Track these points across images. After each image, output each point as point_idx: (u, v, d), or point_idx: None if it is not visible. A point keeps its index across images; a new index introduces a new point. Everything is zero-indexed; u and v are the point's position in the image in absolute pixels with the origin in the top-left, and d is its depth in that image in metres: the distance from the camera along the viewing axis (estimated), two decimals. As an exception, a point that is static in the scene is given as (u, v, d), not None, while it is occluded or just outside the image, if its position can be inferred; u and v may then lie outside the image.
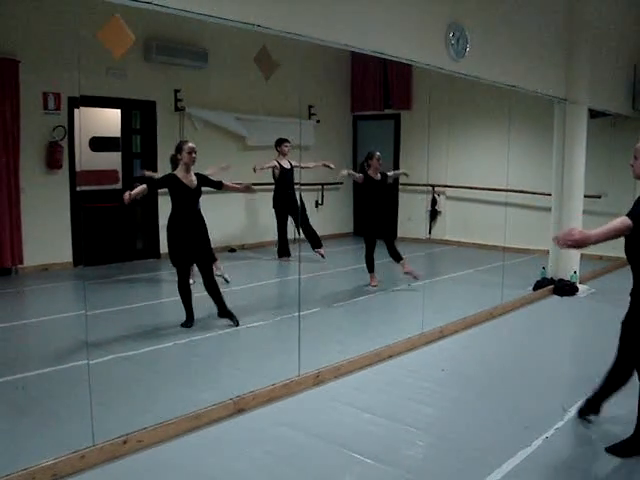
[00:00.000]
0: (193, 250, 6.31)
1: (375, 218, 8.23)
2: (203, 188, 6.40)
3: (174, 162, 6.76)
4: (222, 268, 8.08)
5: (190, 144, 6.29)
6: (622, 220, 3.46)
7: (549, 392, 4.93)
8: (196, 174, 6.33)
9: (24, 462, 3.41)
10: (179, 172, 6.24)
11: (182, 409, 4.18)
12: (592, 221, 9.84)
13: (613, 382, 4.08)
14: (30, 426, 4.07)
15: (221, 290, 6.43)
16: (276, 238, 10.36)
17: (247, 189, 6.95)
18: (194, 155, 6.20)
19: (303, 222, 9.89)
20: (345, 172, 8.49)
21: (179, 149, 6.24)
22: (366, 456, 3.79)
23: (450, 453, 3.90)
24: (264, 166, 9.85)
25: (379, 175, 8.21)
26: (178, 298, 6.34)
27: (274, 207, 10.20)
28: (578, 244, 3.46)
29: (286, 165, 10.03)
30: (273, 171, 10.10)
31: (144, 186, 6.06)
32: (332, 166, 10.07)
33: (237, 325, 6.32)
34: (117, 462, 3.67)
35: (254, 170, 9.53)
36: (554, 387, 5.07)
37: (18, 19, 8.29)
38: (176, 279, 6.40)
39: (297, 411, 4.50)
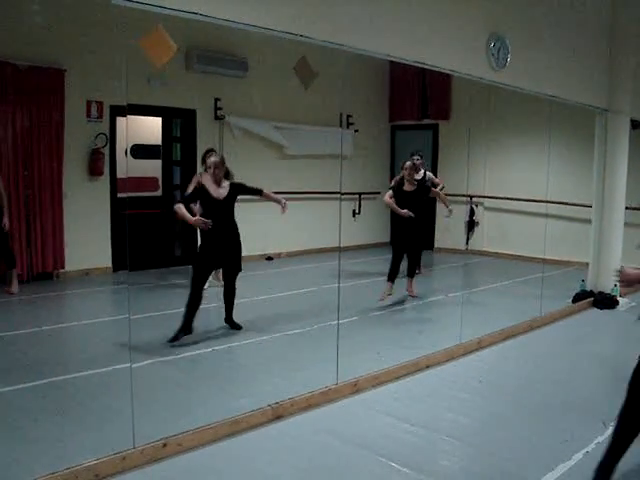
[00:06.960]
0: (220, 258, 6.26)
1: (406, 229, 7.89)
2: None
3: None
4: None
5: (213, 158, 6.15)
6: None
7: (588, 406, 4.85)
8: (232, 184, 6.17)
9: (67, 461, 3.47)
10: (208, 182, 6.13)
11: (221, 414, 4.21)
12: (633, 233, 9.79)
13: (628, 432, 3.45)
14: (73, 426, 4.15)
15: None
16: None
17: (282, 208, 6.39)
18: (217, 171, 6.06)
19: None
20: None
21: (204, 161, 6.09)
22: (403, 465, 3.77)
23: (488, 465, 3.87)
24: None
25: (415, 184, 7.94)
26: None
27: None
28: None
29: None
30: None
31: (182, 210, 5.98)
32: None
33: (239, 329, 6.37)
34: (157, 465, 3.72)
35: None
36: (593, 401, 4.98)
37: (63, 29, 8.47)
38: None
39: (335, 419, 4.50)
